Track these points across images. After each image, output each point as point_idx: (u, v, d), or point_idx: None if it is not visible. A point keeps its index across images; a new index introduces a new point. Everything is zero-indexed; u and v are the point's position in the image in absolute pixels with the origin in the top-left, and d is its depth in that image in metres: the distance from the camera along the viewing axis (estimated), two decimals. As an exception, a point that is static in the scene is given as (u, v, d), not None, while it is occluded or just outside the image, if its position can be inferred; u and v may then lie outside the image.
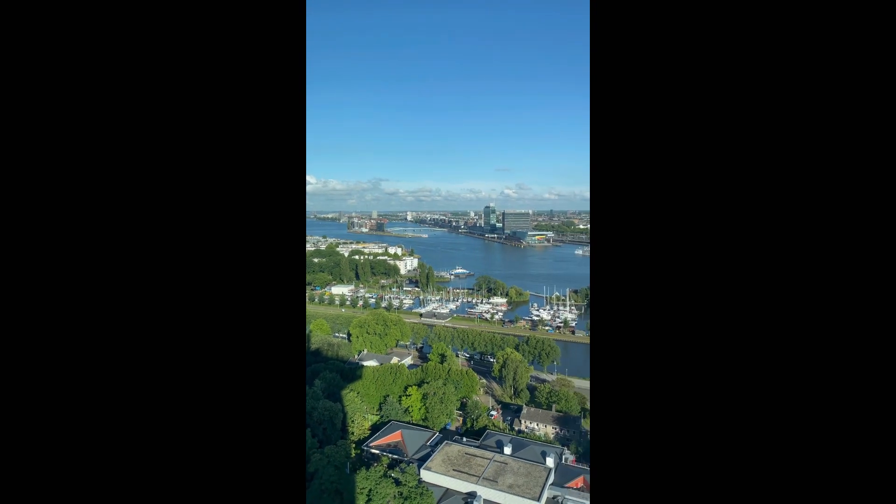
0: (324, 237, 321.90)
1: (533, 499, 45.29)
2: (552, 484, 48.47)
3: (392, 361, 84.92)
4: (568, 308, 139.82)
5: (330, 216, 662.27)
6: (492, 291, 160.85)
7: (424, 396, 66.42)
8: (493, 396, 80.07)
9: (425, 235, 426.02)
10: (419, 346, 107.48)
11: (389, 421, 64.06)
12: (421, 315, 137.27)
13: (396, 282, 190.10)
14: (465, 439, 60.28)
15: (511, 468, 50.27)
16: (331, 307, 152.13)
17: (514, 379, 77.64)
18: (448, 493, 47.90)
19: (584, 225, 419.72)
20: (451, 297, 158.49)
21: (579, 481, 49.52)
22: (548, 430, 66.52)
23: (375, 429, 63.46)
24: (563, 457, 55.54)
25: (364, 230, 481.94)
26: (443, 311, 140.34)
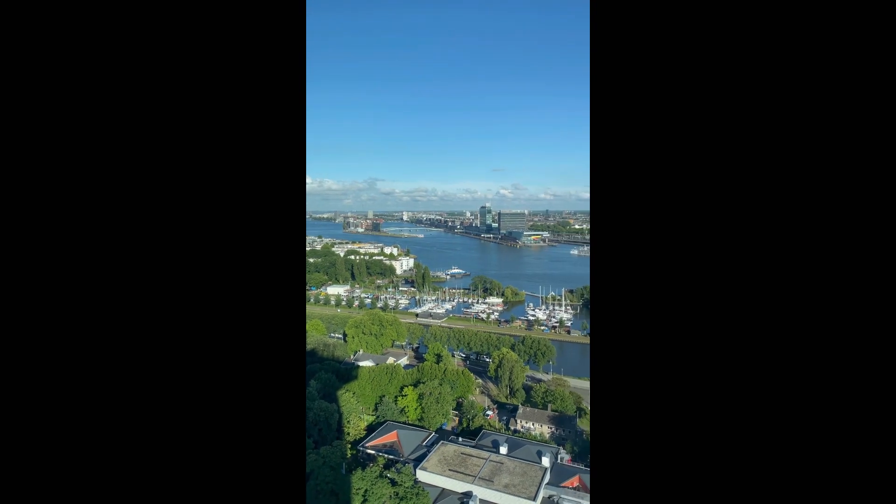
0: (319, 237, 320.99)
1: (529, 498, 45.36)
2: (548, 483, 48.57)
3: (388, 362, 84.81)
4: (563, 308, 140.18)
5: (325, 216, 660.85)
6: (488, 291, 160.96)
7: (420, 396, 66.38)
8: (489, 396, 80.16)
9: (421, 235, 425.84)
10: (415, 346, 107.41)
11: (385, 421, 63.97)
12: (417, 315, 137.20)
13: (392, 282, 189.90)
14: (461, 439, 60.30)
15: (507, 468, 50.33)
16: (326, 307, 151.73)
17: (509, 379, 77.76)
18: (444, 493, 47.89)
19: (580, 225, 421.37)
20: (447, 298, 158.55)
21: (575, 481, 49.65)
22: (543, 429, 66.64)
23: (371, 429, 63.36)
24: (559, 456, 55.67)
25: (360, 230, 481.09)
26: (439, 311, 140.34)
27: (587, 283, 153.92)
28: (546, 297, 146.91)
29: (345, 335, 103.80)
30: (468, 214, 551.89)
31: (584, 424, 66.59)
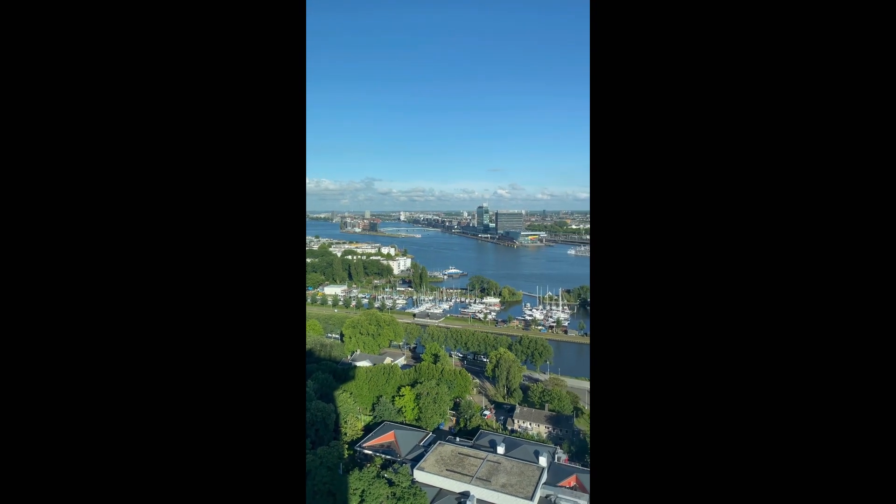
0: (316, 237, 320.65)
1: (526, 498, 45.42)
2: (545, 483, 48.64)
3: (385, 362, 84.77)
4: (560, 308, 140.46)
5: (322, 216, 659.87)
6: (485, 291, 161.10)
7: (417, 397, 66.36)
8: (487, 396, 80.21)
9: (418, 235, 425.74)
10: (412, 346, 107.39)
11: (382, 421, 63.92)
12: (414, 315, 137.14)
13: (389, 282, 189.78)
14: (458, 439, 60.31)
15: (504, 468, 50.38)
16: (323, 307, 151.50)
17: (507, 378, 77.84)
18: (441, 493, 47.90)
19: (577, 225, 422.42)
20: (445, 298, 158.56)
21: (572, 480, 49.74)
22: (540, 429, 66.75)
23: (368, 429, 63.29)
24: (556, 456, 55.78)
25: (357, 230, 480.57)
26: (436, 311, 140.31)
27: (584, 282, 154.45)
28: (543, 297, 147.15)
29: (342, 335, 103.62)
30: (465, 214, 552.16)
31: (580, 424, 66.74)
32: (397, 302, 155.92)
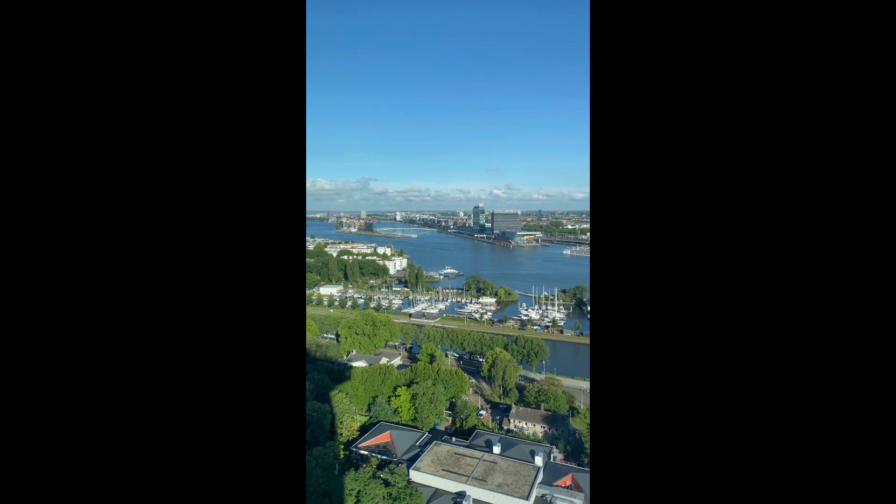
0: (312, 237, 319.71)
1: (522, 497, 45.48)
2: (541, 482, 48.73)
3: (381, 362, 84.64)
4: (556, 307, 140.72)
5: (318, 216, 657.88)
6: (481, 291, 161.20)
7: (414, 397, 66.30)
8: (483, 396, 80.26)
9: (414, 235, 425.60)
10: (408, 346, 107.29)
11: (378, 422, 63.83)
12: (410, 315, 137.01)
13: (385, 282, 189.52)
14: (454, 439, 60.32)
15: (500, 467, 50.43)
16: (319, 307, 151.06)
17: (503, 378, 77.93)
18: (437, 493, 47.88)
19: (573, 225, 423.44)
20: (441, 297, 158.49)
21: (567, 479, 49.86)
22: (536, 428, 66.86)
23: (364, 430, 63.19)
24: (552, 455, 55.89)
25: (353, 230, 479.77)
26: (432, 311, 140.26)
27: (580, 282, 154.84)
28: (539, 297, 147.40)
29: (337, 335, 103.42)
30: (461, 214, 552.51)
31: (576, 424, 66.92)
32: (393, 302, 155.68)
